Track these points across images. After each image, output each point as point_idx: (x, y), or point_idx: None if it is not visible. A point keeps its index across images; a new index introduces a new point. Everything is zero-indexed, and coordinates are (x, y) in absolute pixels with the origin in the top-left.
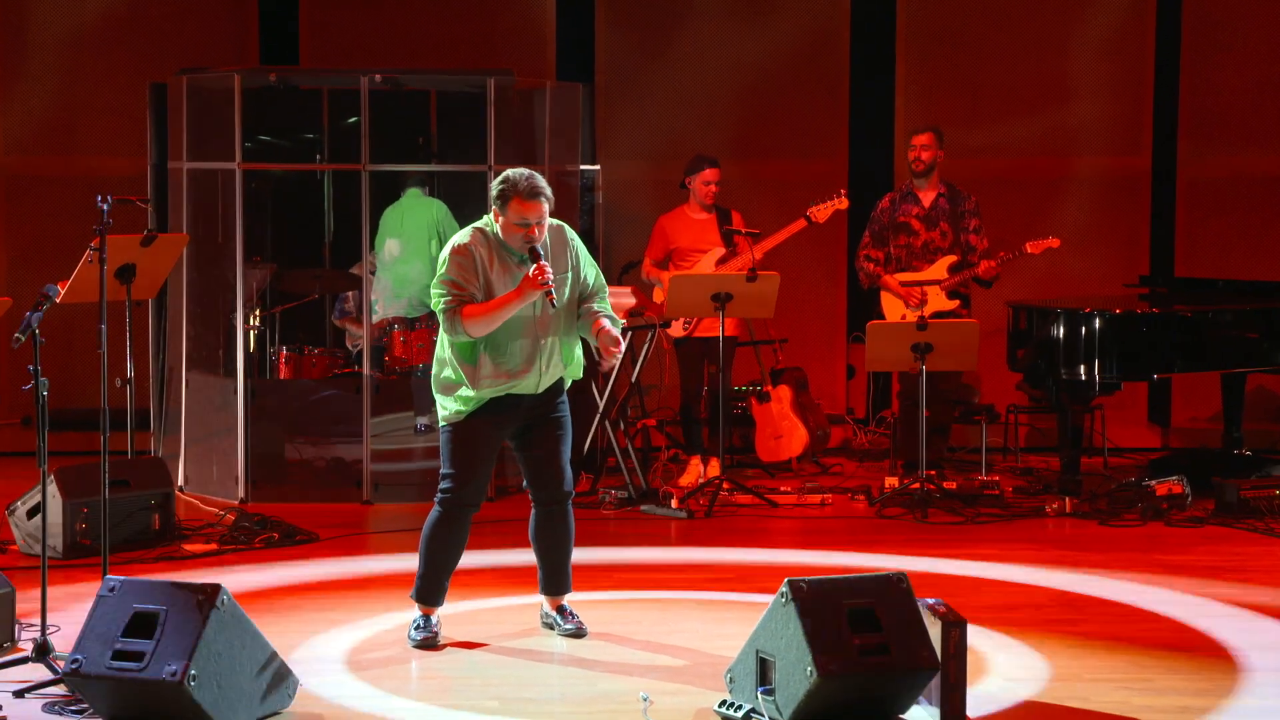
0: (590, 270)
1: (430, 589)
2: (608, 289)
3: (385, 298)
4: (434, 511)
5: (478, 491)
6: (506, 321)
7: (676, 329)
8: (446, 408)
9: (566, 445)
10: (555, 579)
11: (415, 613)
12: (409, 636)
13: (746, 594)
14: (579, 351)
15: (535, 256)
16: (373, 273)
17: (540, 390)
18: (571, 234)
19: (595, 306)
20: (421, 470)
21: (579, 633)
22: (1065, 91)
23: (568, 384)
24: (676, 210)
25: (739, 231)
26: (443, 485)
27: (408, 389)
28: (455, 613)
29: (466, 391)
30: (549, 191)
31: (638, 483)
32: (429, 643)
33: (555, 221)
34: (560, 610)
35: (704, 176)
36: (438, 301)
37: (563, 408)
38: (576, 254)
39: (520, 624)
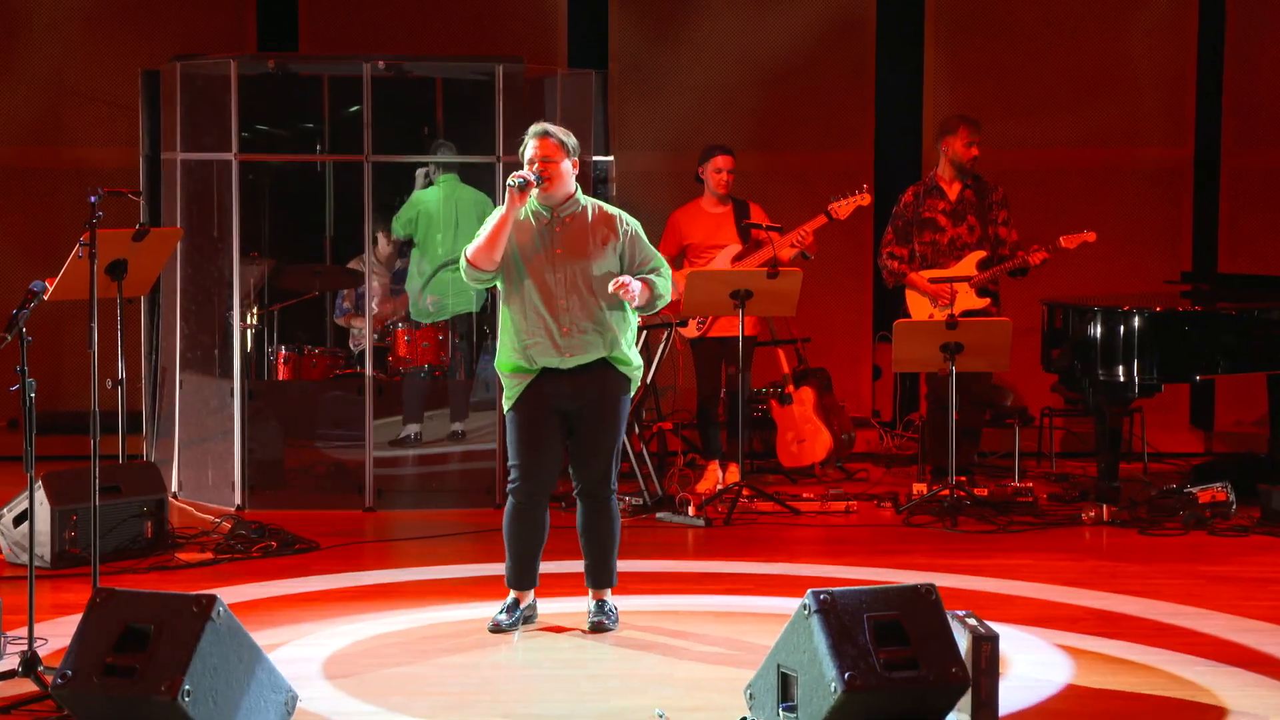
0: (648, 256)
1: (513, 574)
2: (665, 265)
3: (449, 294)
4: (508, 502)
5: (539, 482)
6: (528, 288)
7: (691, 329)
8: (504, 395)
9: (606, 438)
10: (593, 571)
11: (420, 620)
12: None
13: (767, 605)
14: (628, 348)
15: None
16: (385, 264)
17: (569, 365)
18: (627, 225)
19: (645, 274)
20: (426, 475)
21: (600, 627)
22: (1102, 79)
23: (633, 388)
24: (691, 204)
25: (760, 226)
26: (509, 476)
27: (412, 391)
28: (465, 620)
29: (510, 372)
30: (559, 134)
31: (653, 489)
32: (499, 628)
33: (615, 210)
34: (599, 604)
35: (715, 163)
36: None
37: (613, 401)
38: (623, 242)
39: (532, 635)
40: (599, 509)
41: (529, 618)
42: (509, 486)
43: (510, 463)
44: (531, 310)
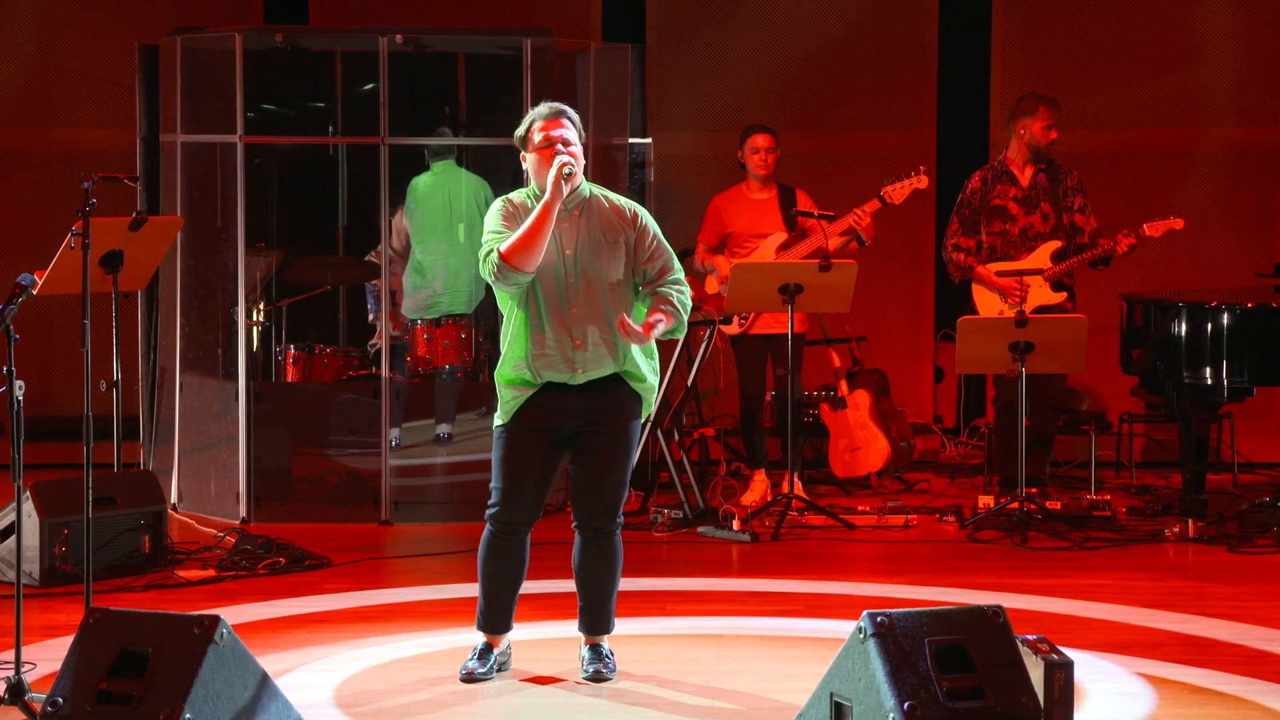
0: (660, 253)
1: (486, 615)
2: (681, 272)
3: (443, 289)
4: (485, 529)
5: (524, 507)
6: (538, 292)
7: (733, 325)
8: (497, 411)
9: (616, 466)
10: (589, 616)
11: (440, 643)
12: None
13: (819, 628)
14: (643, 362)
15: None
16: (403, 255)
17: (581, 380)
18: (637, 214)
19: (661, 288)
20: (447, 486)
21: (598, 677)
22: (1187, 53)
23: (646, 410)
24: (733, 189)
25: (809, 214)
26: (490, 499)
27: (431, 394)
28: None
29: (509, 384)
30: (573, 114)
31: (694, 501)
32: (473, 677)
33: (625, 200)
34: (594, 649)
35: (753, 143)
36: (482, 260)
37: (623, 423)
38: (637, 234)
39: (558, 662)
40: (602, 544)
41: (503, 665)
42: (488, 512)
43: (493, 484)
44: (541, 317)
